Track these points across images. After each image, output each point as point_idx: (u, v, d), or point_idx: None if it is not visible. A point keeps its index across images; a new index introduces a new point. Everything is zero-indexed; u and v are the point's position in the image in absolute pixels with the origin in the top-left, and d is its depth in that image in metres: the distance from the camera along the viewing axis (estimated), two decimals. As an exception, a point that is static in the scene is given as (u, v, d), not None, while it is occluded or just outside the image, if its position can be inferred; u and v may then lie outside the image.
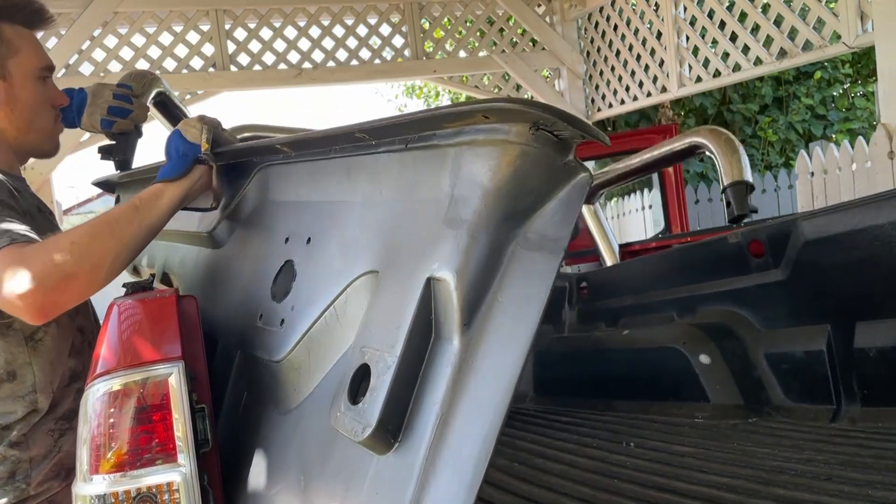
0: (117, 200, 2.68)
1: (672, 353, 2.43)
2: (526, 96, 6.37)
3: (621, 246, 3.70)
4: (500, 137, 0.90)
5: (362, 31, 6.17)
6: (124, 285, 1.42)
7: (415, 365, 0.93)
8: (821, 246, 2.11)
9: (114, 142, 2.15)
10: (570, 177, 0.91)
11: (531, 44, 6.69)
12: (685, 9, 5.53)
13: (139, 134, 2.18)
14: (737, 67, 5.11)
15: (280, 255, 1.37)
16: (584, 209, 3.62)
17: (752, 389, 2.31)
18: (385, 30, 6.32)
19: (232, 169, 1.71)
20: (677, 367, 2.41)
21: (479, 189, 0.91)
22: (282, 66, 5.91)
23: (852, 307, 2.09)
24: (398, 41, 6.34)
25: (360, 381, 0.98)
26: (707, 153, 2.50)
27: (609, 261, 3.55)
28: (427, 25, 6.30)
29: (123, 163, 2.16)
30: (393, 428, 0.93)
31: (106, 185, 2.70)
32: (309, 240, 1.30)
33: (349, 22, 6.09)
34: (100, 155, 2.23)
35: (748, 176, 2.36)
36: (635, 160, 2.90)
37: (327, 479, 1.06)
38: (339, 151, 1.26)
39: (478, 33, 6.37)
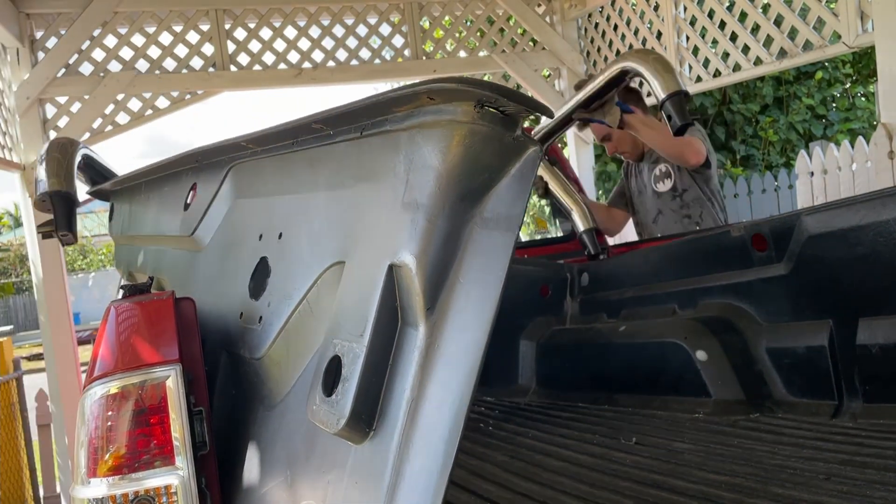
0: (112, 208, 2.69)
1: (673, 347, 2.43)
2: (526, 96, 6.35)
3: (616, 247, 3.65)
4: (447, 118, 0.90)
5: (362, 31, 6.16)
6: (121, 287, 1.42)
7: (383, 353, 0.94)
8: (824, 241, 2.10)
9: (51, 216, 2.01)
10: (521, 152, 0.92)
11: (531, 44, 6.69)
12: (685, 9, 5.53)
13: (77, 203, 2.06)
14: (737, 67, 5.11)
15: (255, 252, 1.38)
16: (542, 169, 3.36)
17: (754, 384, 2.31)
18: (385, 30, 6.32)
19: (206, 169, 1.71)
20: (678, 362, 2.41)
21: (432, 171, 0.92)
22: (282, 65, 5.91)
23: (855, 303, 2.08)
24: (398, 41, 6.34)
25: (333, 373, 0.99)
26: (638, 76, 2.47)
27: (581, 224, 3.31)
28: (427, 25, 6.30)
29: (70, 237, 2.03)
30: (366, 417, 0.93)
31: (100, 194, 2.72)
32: (280, 235, 1.31)
33: (349, 22, 6.09)
34: (40, 235, 2.13)
35: (683, 85, 2.35)
36: (571, 102, 2.88)
37: (311, 472, 1.07)
38: (301, 144, 1.26)
39: (478, 33, 6.37)
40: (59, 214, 1.95)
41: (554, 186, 3.40)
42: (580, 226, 3.32)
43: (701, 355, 2.36)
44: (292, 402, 1.18)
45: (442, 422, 0.87)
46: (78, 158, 2.18)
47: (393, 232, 0.95)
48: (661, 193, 3.67)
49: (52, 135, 5.41)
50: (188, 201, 1.80)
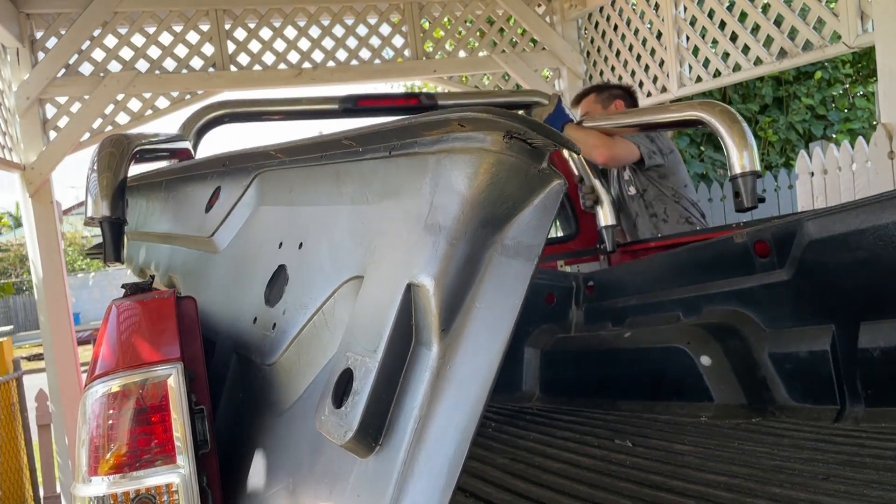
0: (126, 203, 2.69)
1: (677, 353, 2.44)
2: (526, 96, 6.35)
3: (620, 246, 3.66)
4: (476, 146, 0.92)
5: (362, 31, 6.16)
6: (123, 286, 1.42)
7: (395, 369, 0.95)
8: (826, 246, 2.11)
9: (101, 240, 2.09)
10: (545, 184, 0.93)
11: (531, 44, 6.69)
12: (685, 9, 5.53)
13: (126, 223, 2.11)
14: (737, 67, 5.11)
15: (274, 259, 1.39)
16: (579, 160, 3.48)
17: (756, 389, 2.31)
18: (385, 30, 6.32)
19: (232, 174, 1.73)
20: (682, 367, 2.41)
21: (457, 196, 0.93)
22: (282, 66, 5.91)
23: (857, 307, 2.09)
24: (398, 41, 6.34)
25: (344, 385, 0.99)
26: (709, 129, 2.46)
27: (604, 219, 3.39)
28: (427, 25, 6.30)
29: (116, 259, 2.10)
30: (374, 432, 0.94)
31: None
32: (301, 245, 1.31)
33: (349, 22, 6.09)
34: (89, 257, 2.20)
35: (758, 164, 2.34)
36: (631, 118, 2.83)
37: (315, 482, 1.08)
38: (329, 158, 1.27)
39: (478, 33, 6.37)
40: (108, 240, 1.98)
41: (587, 175, 3.48)
42: (603, 220, 3.42)
43: (705, 360, 2.36)
44: (300, 410, 1.18)
45: (448, 442, 0.88)
46: (131, 157, 2.14)
47: (414, 252, 0.96)
48: (633, 196, 3.78)
49: (52, 135, 5.42)
50: (210, 203, 1.81)
